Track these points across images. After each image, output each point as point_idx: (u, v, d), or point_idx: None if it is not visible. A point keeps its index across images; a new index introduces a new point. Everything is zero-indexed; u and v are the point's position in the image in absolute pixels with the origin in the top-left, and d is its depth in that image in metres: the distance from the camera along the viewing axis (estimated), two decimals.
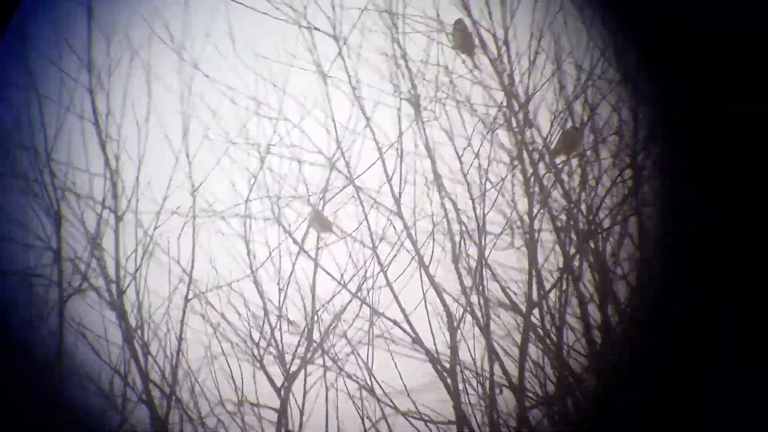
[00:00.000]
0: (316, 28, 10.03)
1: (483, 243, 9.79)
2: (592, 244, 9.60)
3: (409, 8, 10.00)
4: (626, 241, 9.65)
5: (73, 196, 10.21)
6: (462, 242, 9.83)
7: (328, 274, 10.10)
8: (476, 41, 9.89)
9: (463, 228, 9.85)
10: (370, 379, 9.92)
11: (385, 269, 9.93)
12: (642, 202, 9.60)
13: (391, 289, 9.90)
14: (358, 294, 10.00)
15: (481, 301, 9.74)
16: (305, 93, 10.09)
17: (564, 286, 9.64)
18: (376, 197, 10.01)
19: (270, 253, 10.14)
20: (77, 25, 10.22)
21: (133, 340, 10.11)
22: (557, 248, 9.68)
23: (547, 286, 9.71)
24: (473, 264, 9.81)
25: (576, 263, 9.63)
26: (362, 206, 10.04)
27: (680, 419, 9.12)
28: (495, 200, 9.86)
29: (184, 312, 10.16)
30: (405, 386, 9.83)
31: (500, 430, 9.59)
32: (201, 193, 10.21)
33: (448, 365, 9.76)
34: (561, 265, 9.66)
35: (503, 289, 9.74)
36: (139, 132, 10.21)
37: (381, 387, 9.90)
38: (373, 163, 10.06)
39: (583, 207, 9.66)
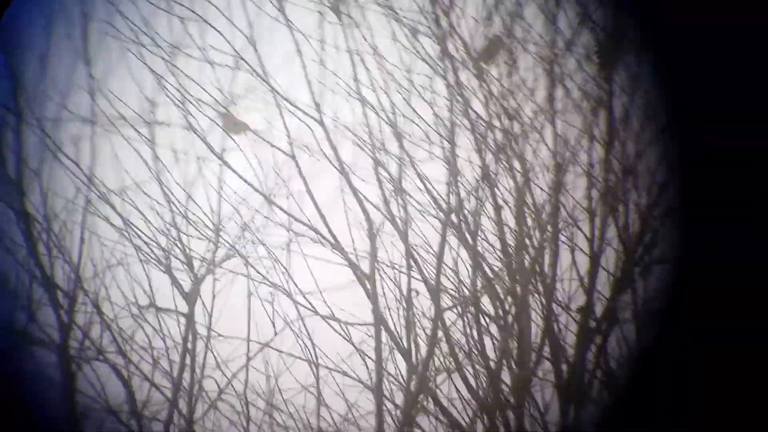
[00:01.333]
0: None
1: (404, 150, 9.86)
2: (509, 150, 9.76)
3: None
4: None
5: None
6: (384, 149, 9.88)
7: (239, 176, 10.02)
8: None
9: (385, 135, 9.88)
10: (287, 281, 9.92)
11: (303, 174, 9.89)
12: (559, 107, 9.80)
13: (310, 194, 9.87)
14: (271, 197, 9.96)
15: (401, 207, 9.82)
16: None
17: (480, 192, 9.77)
18: (296, 103, 9.96)
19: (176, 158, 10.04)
20: None
21: (36, 241, 9.88)
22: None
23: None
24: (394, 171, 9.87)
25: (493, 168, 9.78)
26: (279, 109, 9.97)
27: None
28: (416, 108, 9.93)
29: (85, 214, 9.96)
30: (321, 289, 9.86)
31: (416, 330, 9.72)
32: (104, 96, 9.99)
33: (367, 271, 9.84)
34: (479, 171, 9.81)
35: (427, 193, 9.82)
36: (42, 31, 9.94)
37: (299, 289, 9.90)
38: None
39: (502, 112, 9.78)
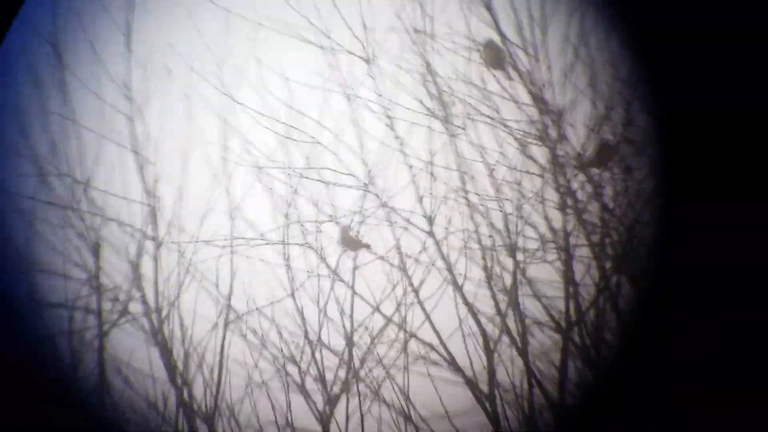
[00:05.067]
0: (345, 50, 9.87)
1: (518, 260, 9.49)
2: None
3: (437, 26, 9.80)
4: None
5: (111, 223, 10.11)
6: (496, 260, 9.53)
7: (361, 297, 9.91)
8: (507, 57, 9.63)
9: (497, 245, 9.54)
10: (407, 404, 9.65)
11: (417, 290, 9.67)
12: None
13: (424, 311, 9.64)
14: (393, 317, 9.76)
15: (518, 321, 9.42)
16: (336, 116, 9.98)
17: (602, 303, 9.28)
18: (408, 217, 9.77)
19: (307, 276, 9.97)
20: (115, 50, 10.18)
21: (175, 371, 9.98)
22: (594, 263, 9.35)
23: (585, 302, 9.38)
24: (508, 282, 9.50)
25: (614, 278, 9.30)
26: (392, 227, 9.86)
27: None
28: (529, 215, 9.57)
29: (224, 339, 10.01)
30: (444, 410, 9.58)
31: None
32: (237, 219, 10.07)
33: (486, 389, 9.47)
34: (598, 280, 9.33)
35: (543, 307, 9.44)
36: (177, 157, 10.13)
37: (418, 412, 9.64)
38: (405, 186, 9.87)
39: (618, 220, 9.31)
